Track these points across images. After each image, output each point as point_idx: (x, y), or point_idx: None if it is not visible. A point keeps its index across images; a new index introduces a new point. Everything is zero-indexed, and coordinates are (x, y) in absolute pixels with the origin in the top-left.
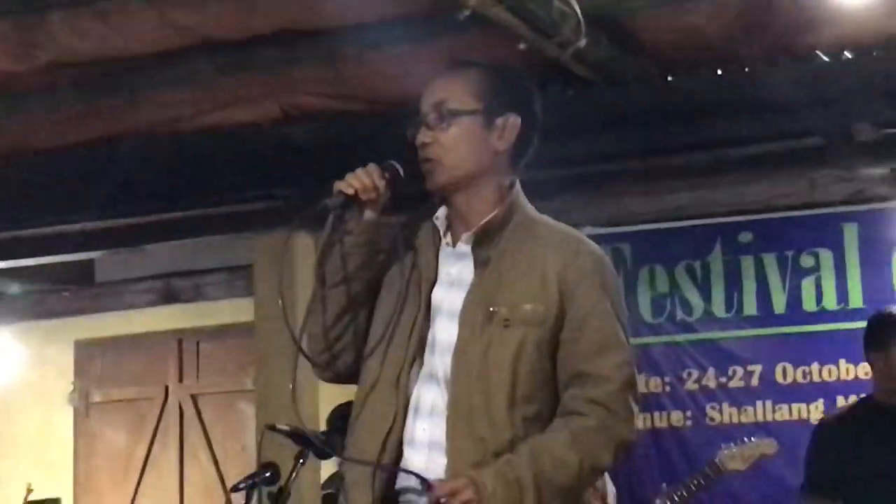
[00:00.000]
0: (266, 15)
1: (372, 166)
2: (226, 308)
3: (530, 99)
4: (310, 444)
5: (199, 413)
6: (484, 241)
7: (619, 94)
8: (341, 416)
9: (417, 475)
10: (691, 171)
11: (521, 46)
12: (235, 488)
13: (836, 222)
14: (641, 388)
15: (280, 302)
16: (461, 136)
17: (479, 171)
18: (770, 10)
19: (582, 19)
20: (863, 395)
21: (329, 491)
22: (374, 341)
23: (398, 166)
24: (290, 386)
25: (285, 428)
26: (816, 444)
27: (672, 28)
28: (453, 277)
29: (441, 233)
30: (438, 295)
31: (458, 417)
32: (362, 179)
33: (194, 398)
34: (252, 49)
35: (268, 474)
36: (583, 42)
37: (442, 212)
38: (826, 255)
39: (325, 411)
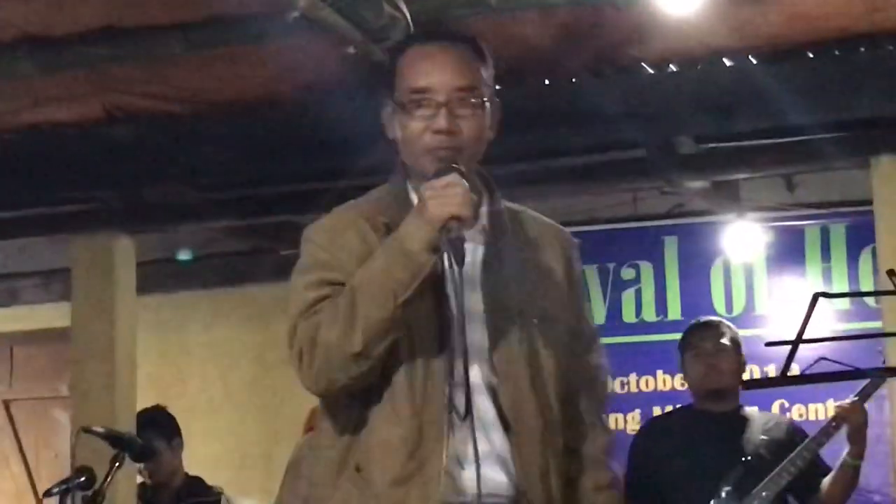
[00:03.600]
0: (90, 11)
1: (457, 178)
2: (41, 312)
3: None
4: (126, 447)
5: (11, 419)
6: (492, 236)
7: None
8: (150, 419)
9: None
10: (515, 181)
11: (350, 50)
12: (48, 493)
13: (657, 235)
14: None
15: None
16: (482, 127)
17: (477, 161)
18: (597, 20)
19: (412, 24)
20: (679, 405)
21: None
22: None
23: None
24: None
25: (100, 430)
26: (636, 452)
27: (499, 36)
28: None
29: None
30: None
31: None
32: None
33: (7, 404)
34: (74, 46)
35: (82, 479)
36: None
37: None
38: (647, 268)
39: None
